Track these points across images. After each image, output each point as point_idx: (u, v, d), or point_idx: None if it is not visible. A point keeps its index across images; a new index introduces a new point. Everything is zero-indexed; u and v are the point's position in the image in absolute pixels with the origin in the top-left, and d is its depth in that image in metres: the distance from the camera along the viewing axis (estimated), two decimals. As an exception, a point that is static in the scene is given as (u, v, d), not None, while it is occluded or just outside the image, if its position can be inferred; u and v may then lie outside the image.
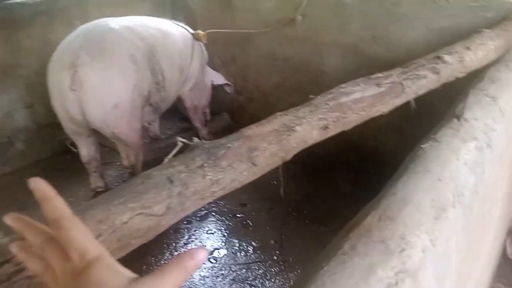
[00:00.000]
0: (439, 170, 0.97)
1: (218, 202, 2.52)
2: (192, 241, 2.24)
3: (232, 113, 3.61)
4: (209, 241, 2.23)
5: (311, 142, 1.12)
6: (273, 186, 2.61)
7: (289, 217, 2.45)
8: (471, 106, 1.27)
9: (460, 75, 1.51)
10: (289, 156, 1.04)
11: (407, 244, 0.74)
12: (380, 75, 1.32)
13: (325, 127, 1.12)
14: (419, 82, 1.35)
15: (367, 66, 2.66)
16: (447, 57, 1.45)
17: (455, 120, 1.18)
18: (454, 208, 0.90)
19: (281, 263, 2.11)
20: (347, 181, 2.74)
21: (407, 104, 1.40)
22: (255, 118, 1.14)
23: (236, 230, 2.32)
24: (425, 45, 2.49)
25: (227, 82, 3.27)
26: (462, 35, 1.85)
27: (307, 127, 1.09)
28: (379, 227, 0.76)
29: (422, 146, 1.07)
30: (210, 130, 3.19)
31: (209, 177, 0.81)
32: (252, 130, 0.97)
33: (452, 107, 1.30)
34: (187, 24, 3.01)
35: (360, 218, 0.81)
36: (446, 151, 1.05)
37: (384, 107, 1.26)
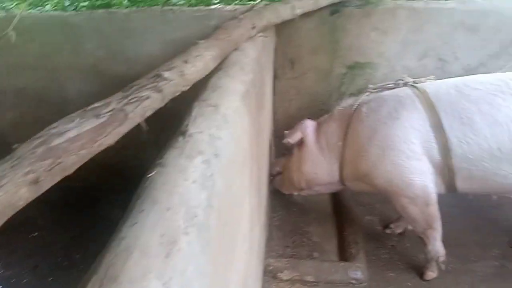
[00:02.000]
0: (167, 197, 0.93)
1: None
2: None
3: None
4: None
5: (21, 203, 0.92)
6: (34, 239, 2.25)
7: (59, 270, 2.13)
8: (195, 119, 1.29)
9: (184, 88, 1.54)
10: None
11: (134, 303, 0.66)
12: (98, 104, 1.22)
13: (36, 181, 0.95)
14: (143, 104, 1.30)
15: (111, 86, 2.51)
16: (167, 74, 1.45)
17: (180, 138, 1.17)
18: (187, 234, 0.87)
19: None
20: (119, 207, 2.57)
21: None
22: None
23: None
24: (163, 57, 2.48)
25: None
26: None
27: (11, 187, 0.89)
28: (99, 296, 0.66)
29: (148, 175, 1.01)
30: None
31: None
32: None
33: (179, 124, 1.30)
34: None
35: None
36: (172, 174, 1.02)
37: (108, 139, 1.16)
